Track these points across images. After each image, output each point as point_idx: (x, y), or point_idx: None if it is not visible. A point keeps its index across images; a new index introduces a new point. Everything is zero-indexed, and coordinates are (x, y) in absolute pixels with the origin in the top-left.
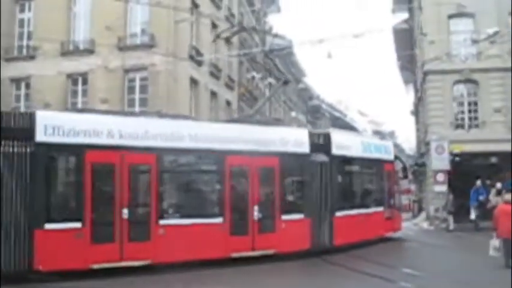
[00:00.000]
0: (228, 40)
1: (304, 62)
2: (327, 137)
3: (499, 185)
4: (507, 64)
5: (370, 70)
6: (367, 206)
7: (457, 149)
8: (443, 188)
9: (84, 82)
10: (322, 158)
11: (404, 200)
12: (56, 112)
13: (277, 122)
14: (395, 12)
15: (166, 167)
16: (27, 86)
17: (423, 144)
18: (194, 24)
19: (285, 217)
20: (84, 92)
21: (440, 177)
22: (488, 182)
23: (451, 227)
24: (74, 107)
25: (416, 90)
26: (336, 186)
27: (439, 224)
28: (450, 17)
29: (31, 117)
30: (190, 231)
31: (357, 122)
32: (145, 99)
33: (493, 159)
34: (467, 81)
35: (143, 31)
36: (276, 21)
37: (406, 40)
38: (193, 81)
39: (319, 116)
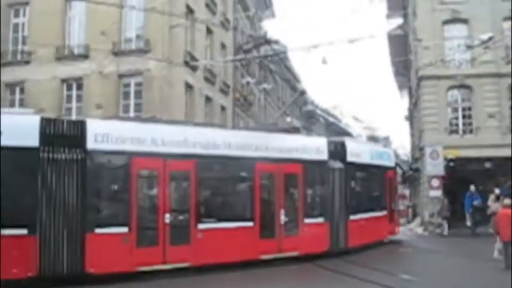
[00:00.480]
0: (224, 46)
1: (299, 67)
2: (343, 145)
3: (497, 190)
4: (501, 70)
5: (364, 76)
6: (375, 210)
7: (452, 154)
8: (438, 193)
9: (79, 87)
10: (338, 164)
11: (400, 205)
12: (104, 120)
13: (295, 130)
14: (390, 18)
15: (204, 173)
16: (22, 90)
17: (418, 149)
18: (189, 30)
19: (307, 221)
20: (79, 97)
21: (435, 182)
22: (480, 187)
23: (446, 232)
24: (68, 112)
25: (410, 96)
26: (350, 191)
27: (433, 229)
28: (444, 22)
29: (82, 126)
30: (225, 234)
31: (352, 128)
32: (140, 105)
33: (487, 165)
34: (462, 86)
35: (138, 36)
36: (270, 27)
37: (401, 46)
38: (188, 87)
39: (314, 122)
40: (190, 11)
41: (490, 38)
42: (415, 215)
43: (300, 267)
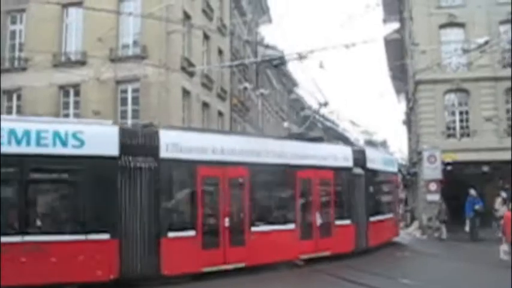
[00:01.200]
0: (221, 52)
1: (295, 72)
2: (363, 153)
3: (504, 194)
4: (497, 73)
5: (361, 80)
6: (386, 213)
7: (449, 158)
8: (436, 197)
9: (76, 94)
10: (360, 171)
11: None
12: (173, 131)
13: (320, 139)
14: (387, 22)
15: (256, 180)
16: (19, 97)
17: (415, 153)
18: (186, 36)
19: (337, 223)
20: (76, 104)
21: (433, 186)
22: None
23: (444, 236)
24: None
25: (408, 100)
26: (369, 195)
27: (431, 233)
28: (441, 27)
29: (155, 136)
30: (272, 236)
31: (349, 132)
32: (137, 111)
33: (485, 168)
34: (458, 90)
35: (135, 42)
36: (267, 32)
37: (398, 50)
38: (186, 92)
39: (312, 126)
40: (187, 16)
41: (487, 42)
42: (413, 219)
43: (299, 271)
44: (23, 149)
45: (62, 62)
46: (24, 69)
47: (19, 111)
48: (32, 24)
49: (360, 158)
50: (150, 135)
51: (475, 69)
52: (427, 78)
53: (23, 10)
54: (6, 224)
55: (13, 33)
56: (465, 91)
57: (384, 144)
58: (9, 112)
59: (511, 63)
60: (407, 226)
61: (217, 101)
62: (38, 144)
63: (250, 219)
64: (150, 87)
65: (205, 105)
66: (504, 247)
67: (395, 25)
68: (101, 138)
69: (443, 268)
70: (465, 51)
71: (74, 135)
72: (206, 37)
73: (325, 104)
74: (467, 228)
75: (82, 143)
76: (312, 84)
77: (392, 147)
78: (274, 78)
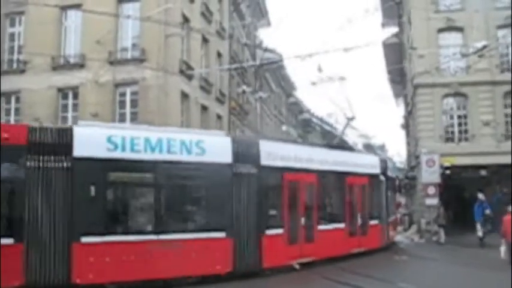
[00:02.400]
0: (219, 55)
1: (294, 76)
2: (385, 162)
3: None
4: (495, 78)
5: (360, 84)
6: (394, 214)
7: (447, 162)
8: (434, 201)
9: (75, 96)
10: (382, 177)
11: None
12: (267, 141)
13: (352, 148)
14: (385, 26)
15: (320, 185)
16: (17, 100)
17: (414, 157)
18: (185, 39)
19: (371, 222)
20: (75, 106)
21: (431, 190)
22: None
23: (442, 240)
24: (64, 121)
25: (406, 104)
26: (388, 199)
27: (430, 237)
28: (439, 31)
29: (257, 146)
30: (331, 234)
31: (348, 136)
32: (136, 113)
33: (483, 172)
34: (457, 94)
35: (134, 45)
36: (266, 35)
37: (396, 54)
38: (184, 96)
39: (310, 130)
40: (186, 20)
41: (485, 46)
42: (411, 223)
43: (296, 275)
44: (156, 156)
45: (61, 65)
46: (22, 71)
47: (17, 114)
48: (31, 27)
49: (383, 166)
50: (254, 145)
51: (474, 73)
52: (426, 82)
53: (22, 13)
54: (143, 224)
55: (12, 35)
56: (463, 95)
57: (382, 148)
58: (8, 115)
59: (511, 67)
60: (405, 230)
61: (216, 104)
62: (169, 151)
63: (317, 218)
64: (149, 90)
65: (203, 108)
66: (504, 247)
67: (394, 29)
68: (218, 147)
69: (441, 272)
70: (463, 55)
71: (197, 144)
72: (205, 40)
73: (352, 119)
74: (480, 234)
75: (203, 151)
76: (341, 97)
77: (391, 151)
78: (273, 82)
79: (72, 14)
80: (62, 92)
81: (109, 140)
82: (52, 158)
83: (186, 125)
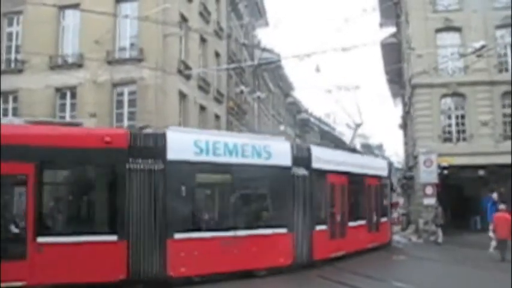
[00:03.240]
0: (217, 55)
1: (292, 76)
2: (391, 165)
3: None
4: (493, 78)
5: (358, 84)
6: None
7: (445, 162)
8: (432, 201)
9: (73, 96)
10: (389, 180)
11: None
12: (316, 147)
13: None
14: (383, 26)
15: (349, 185)
16: (15, 99)
17: (411, 157)
18: (183, 39)
19: (382, 220)
20: (73, 106)
21: (429, 190)
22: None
23: (440, 239)
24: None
25: (404, 104)
26: (391, 198)
27: (427, 237)
28: (437, 31)
29: (309, 151)
30: (357, 230)
31: (346, 136)
32: (134, 113)
33: (481, 172)
34: (455, 94)
35: (132, 45)
36: (264, 35)
37: (394, 54)
38: (182, 95)
39: (308, 130)
40: (184, 19)
41: (483, 46)
42: (409, 223)
43: (293, 275)
44: (233, 159)
45: (59, 64)
46: (20, 71)
47: (15, 114)
48: (29, 26)
49: (390, 169)
50: (306, 150)
51: (472, 73)
52: (424, 82)
53: (20, 12)
54: (223, 221)
55: (10, 35)
56: (461, 95)
57: (380, 148)
58: (5, 114)
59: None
60: (403, 230)
61: (214, 104)
62: (243, 155)
63: (348, 216)
64: (147, 89)
65: (201, 108)
66: (493, 243)
67: (392, 29)
68: (280, 152)
69: (439, 272)
70: (461, 55)
71: (265, 149)
72: (203, 40)
73: (360, 125)
74: (491, 234)
75: (270, 155)
76: (351, 104)
77: (389, 151)
78: (271, 82)
79: (70, 13)
80: (60, 91)
81: (196, 144)
82: (149, 160)
83: (184, 125)
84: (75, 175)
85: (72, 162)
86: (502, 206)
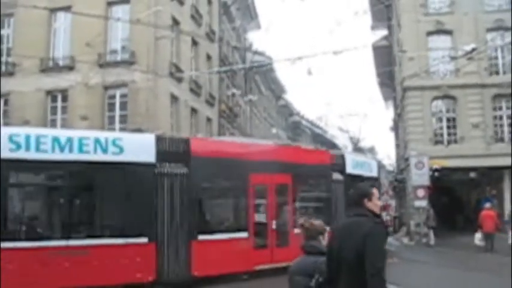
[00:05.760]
0: (209, 57)
1: (284, 79)
2: (379, 167)
3: (488, 204)
4: (484, 80)
5: (350, 86)
6: None
7: (437, 164)
8: (424, 203)
9: (64, 99)
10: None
11: (385, 216)
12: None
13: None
14: (375, 29)
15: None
16: (6, 102)
17: (403, 160)
18: (174, 41)
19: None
20: (64, 109)
21: (421, 192)
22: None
23: (432, 242)
24: (53, 124)
25: (395, 107)
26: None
27: (419, 239)
28: (429, 34)
29: (343, 158)
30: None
31: (338, 139)
32: (125, 116)
33: (472, 174)
34: (446, 97)
35: (123, 48)
36: (256, 38)
37: (386, 57)
38: (174, 98)
39: (300, 133)
40: (175, 22)
41: (474, 49)
42: (401, 225)
43: (284, 277)
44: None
45: (50, 67)
46: (11, 74)
47: (6, 117)
48: (20, 29)
49: (379, 170)
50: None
51: (463, 76)
52: (415, 84)
53: (11, 15)
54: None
55: (1, 37)
56: (452, 98)
57: (371, 150)
58: None
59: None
60: (395, 232)
61: (206, 106)
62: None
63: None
64: (138, 92)
65: (193, 111)
66: (478, 235)
67: (384, 32)
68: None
69: (431, 274)
70: (452, 58)
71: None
72: (195, 43)
73: (359, 141)
74: (510, 241)
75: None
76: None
77: (381, 153)
78: (262, 84)
79: (61, 16)
80: (51, 94)
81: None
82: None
83: (176, 127)
84: None
85: None
86: (487, 205)
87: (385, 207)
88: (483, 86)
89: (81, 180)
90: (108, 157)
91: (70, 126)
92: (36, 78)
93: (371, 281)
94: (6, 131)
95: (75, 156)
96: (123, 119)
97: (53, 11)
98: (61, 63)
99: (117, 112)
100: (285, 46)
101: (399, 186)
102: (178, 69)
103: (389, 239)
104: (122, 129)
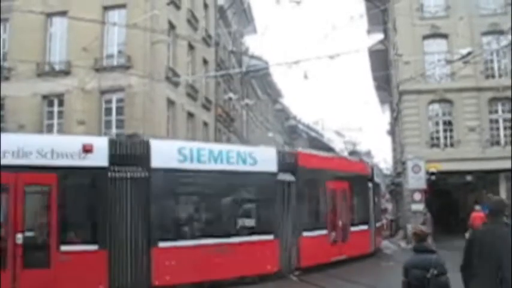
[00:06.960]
0: (206, 62)
1: (280, 83)
2: (373, 168)
3: (478, 207)
4: (480, 84)
5: (346, 90)
6: None
7: (433, 167)
8: (420, 206)
9: (60, 103)
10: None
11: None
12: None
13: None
14: (371, 33)
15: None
16: (2, 107)
17: (400, 163)
18: (171, 46)
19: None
20: (60, 114)
21: (417, 196)
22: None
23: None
24: (49, 129)
25: (392, 110)
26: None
27: None
28: (424, 37)
29: (373, 167)
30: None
31: (334, 142)
32: (122, 121)
33: (468, 178)
34: (442, 100)
35: (120, 52)
36: (252, 42)
37: (382, 61)
38: (170, 102)
39: (296, 137)
40: (172, 27)
41: (470, 53)
42: (398, 229)
43: (282, 282)
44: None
45: (46, 72)
46: (7, 78)
47: (2, 121)
48: (16, 34)
49: (372, 171)
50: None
51: (458, 79)
52: (411, 88)
53: (7, 19)
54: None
55: None
56: (449, 101)
57: (368, 154)
58: None
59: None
60: (392, 236)
61: (202, 111)
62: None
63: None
64: (135, 97)
65: (190, 115)
66: (467, 235)
67: (380, 36)
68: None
69: None
70: (448, 61)
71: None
72: (191, 47)
73: (355, 146)
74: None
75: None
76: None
77: (377, 157)
78: (259, 89)
79: (57, 20)
80: (47, 99)
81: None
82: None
83: (173, 132)
84: None
85: None
86: (477, 207)
87: (382, 211)
88: (479, 89)
89: (228, 186)
90: (246, 167)
91: (66, 131)
92: (32, 83)
93: None
94: (176, 144)
95: (223, 166)
96: (120, 123)
97: (49, 15)
98: (57, 67)
99: (114, 117)
100: (281, 50)
101: (396, 189)
102: (175, 74)
103: (386, 243)
104: (119, 134)
